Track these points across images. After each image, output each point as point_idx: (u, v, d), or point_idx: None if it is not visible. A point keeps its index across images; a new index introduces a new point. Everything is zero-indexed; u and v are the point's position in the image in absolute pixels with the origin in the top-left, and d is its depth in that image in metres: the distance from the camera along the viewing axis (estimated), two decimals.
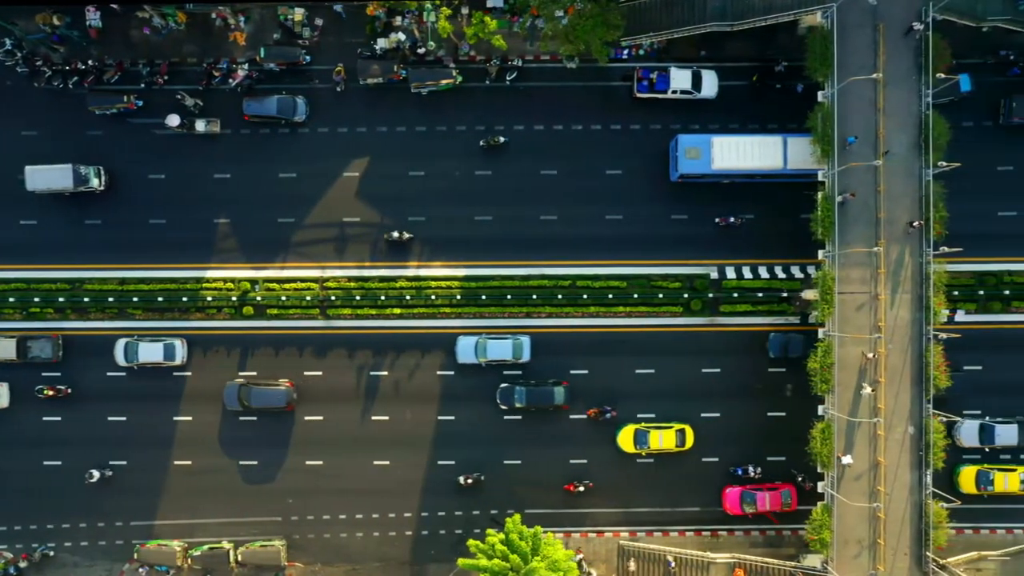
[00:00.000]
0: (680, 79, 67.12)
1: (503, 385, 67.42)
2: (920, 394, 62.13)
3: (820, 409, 62.95)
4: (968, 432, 66.23)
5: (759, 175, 66.17)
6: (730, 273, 68.06)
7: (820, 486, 63.16)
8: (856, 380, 62.24)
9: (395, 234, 67.26)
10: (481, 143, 67.44)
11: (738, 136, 65.87)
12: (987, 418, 67.04)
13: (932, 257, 61.89)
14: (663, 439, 66.50)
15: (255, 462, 68.16)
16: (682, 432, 66.85)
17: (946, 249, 61.41)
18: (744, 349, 68.39)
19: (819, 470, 62.98)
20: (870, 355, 61.56)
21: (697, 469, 68.43)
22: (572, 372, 68.53)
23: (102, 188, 66.58)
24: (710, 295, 67.90)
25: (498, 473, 68.31)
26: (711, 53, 68.61)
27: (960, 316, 68.33)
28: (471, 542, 60.60)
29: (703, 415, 68.48)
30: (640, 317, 68.28)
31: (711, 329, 68.63)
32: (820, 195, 62.57)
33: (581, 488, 67.31)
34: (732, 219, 67.39)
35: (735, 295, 67.70)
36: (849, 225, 62.39)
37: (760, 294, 67.59)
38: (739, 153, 64.95)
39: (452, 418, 68.60)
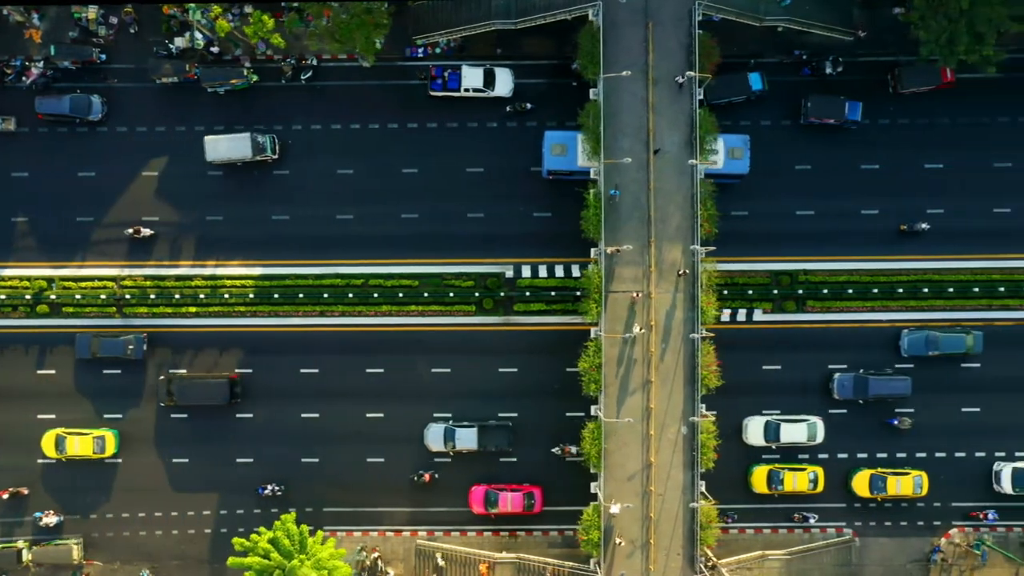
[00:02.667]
0: (472, 77, 67.02)
1: None
2: (693, 394, 61.76)
3: (593, 409, 62.64)
4: (754, 431, 65.86)
5: None
6: (526, 272, 67.89)
7: (593, 486, 62.85)
8: (630, 379, 61.94)
9: None
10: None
11: None
12: (773, 416, 66.64)
13: (703, 256, 61.51)
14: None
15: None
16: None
17: (699, 249, 60.81)
18: (542, 349, 68.07)
19: (591, 470, 62.65)
20: (637, 330, 61.32)
21: (492, 469, 68.19)
22: (368, 371, 68.45)
23: None
24: (502, 294, 67.68)
25: (297, 471, 68.25)
26: (508, 51, 68.48)
27: (758, 315, 68.12)
28: (236, 540, 60.74)
29: (500, 414, 68.26)
30: (433, 316, 68.14)
31: (507, 328, 68.42)
32: (591, 193, 62.19)
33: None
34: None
35: (527, 294, 67.48)
36: (621, 223, 62.13)
37: (553, 293, 67.30)
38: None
39: (251, 416, 68.65)
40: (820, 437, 66.82)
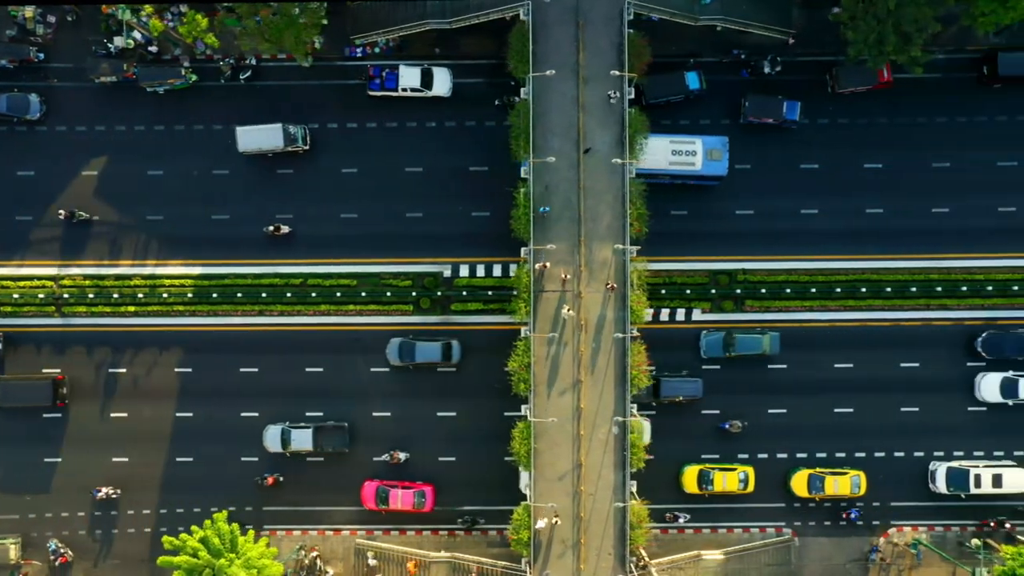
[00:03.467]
0: (409, 77, 67.04)
1: None
2: (624, 394, 61.75)
3: (523, 409, 62.62)
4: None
5: None
6: (464, 271, 67.93)
7: (521, 486, 62.81)
8: (560, 379, 61.94)
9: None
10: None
11: None
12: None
13: (634, 255, 61.52)
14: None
15: None
16: None
17: (628, 248, 60.86)
18: (481, 348, 68.05)
19: (521, 470, 62.65)
20: (565, 317, 61.37)
21: (436, 468, 68.27)
22: (307, 370, 68.50)
23: None
24: (439, 293, 67.72)
25: (235, 470, 68.31)
26: (446, 51, 68.49)
27: (697, 315, 68.15)
28: (166, 539, 60.76)
29: (439, 414, 68.27)
30: (372, 315, 68.19)
31: (445, 328, 68.43)
32: (520, 192, 62.18)
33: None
34: None
35: (464, 293, 67.49)
36: (551, 223, 62.13)
37: (490, 292, 67.30)
38: None
39: (191, 415, 68.73)
40: None
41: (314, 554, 67.71)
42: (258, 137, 66.37)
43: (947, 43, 68.22)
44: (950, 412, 67.74)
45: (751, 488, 65.79)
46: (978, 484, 65.10)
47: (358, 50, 68.03)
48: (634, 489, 62.00)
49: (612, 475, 61.83)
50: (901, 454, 68.13)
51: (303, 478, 67.82)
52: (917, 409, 68.32)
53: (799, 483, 66.28)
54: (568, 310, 60.89)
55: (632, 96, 62.02)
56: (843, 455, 68.26)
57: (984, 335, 66.92)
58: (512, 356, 62.56)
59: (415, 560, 64.31)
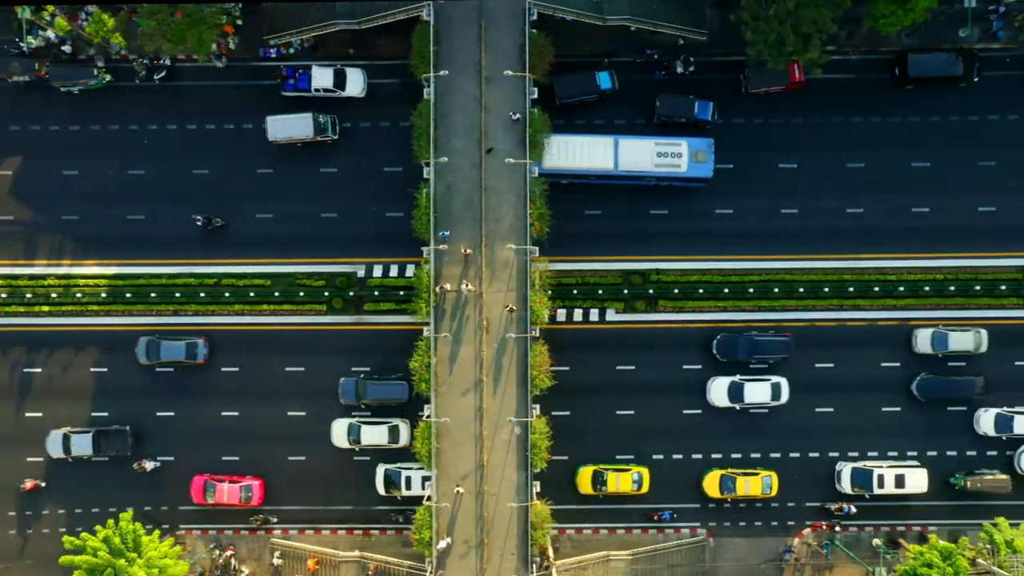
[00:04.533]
0: (322, 77, 67.09)
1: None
2: (525, 394, 61.75)
3: (426, 409, 62.57)
4: None
5: (593, 176, 65.59)
6: (377, 271, 67.97)
7: (428, 486, 62.82)
8: (462, 379, 61.95)
9: None
10: None
11: (569, 136, 64.84)
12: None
13: (535, 256, 61.53)
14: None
15: None
16: None
17: (528, 248, 60.85)
18: (394, 347, 67.99)
19: (426, 469, 62.66)
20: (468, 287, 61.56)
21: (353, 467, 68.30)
22: (223, 369, 68.56)
23: None
24: (351, 293, 67.76)
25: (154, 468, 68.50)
26: (361, 52, 68.53)
27: (611, 315, 68.15)
28: (66, 539, 60.88)
29: (353, 414, 68.25)
30: (286, 315, 68.25)
31: (359, 327, 68.48)
32: (422, 192, 62.17)
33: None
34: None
35: (376, 293, 67.54)
36: (453, 223, 62.13)
37: (402, 292, 67.31)
38: (569, 153, 64.08)
39: (106, 414, 68.75)
40: None
41: (228, 553, 67.75)
42: (288, 126, 66.26)
43: (860, 44, 68.30)
44: (858, 412, 67.53)
45: (645, 488, 65.76)
46: (881, 484, 65.04)
47: (272, 51, 68.08)
48: (538, 489, 61.95)
49: (515, 475, 61.81)
50: (816, 455, 68.05)
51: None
52: (832, 410, 68.26)
53: (711, 484, 66.21)
54: (466, 284, 60.69)
55: (534, 96, 61.89)
56: (758, 455, 68.12)
57: (719, 336, 66.88)
58: (414, 355, 62.53)
59: (315, 558, 64.33)
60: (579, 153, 64.53)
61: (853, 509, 66.61)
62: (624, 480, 64.76)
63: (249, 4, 66.92)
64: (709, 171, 65.63)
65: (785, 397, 66.56)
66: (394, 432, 65.70)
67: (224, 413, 68.21)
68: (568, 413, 67.50)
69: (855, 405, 67.94)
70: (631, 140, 65.01)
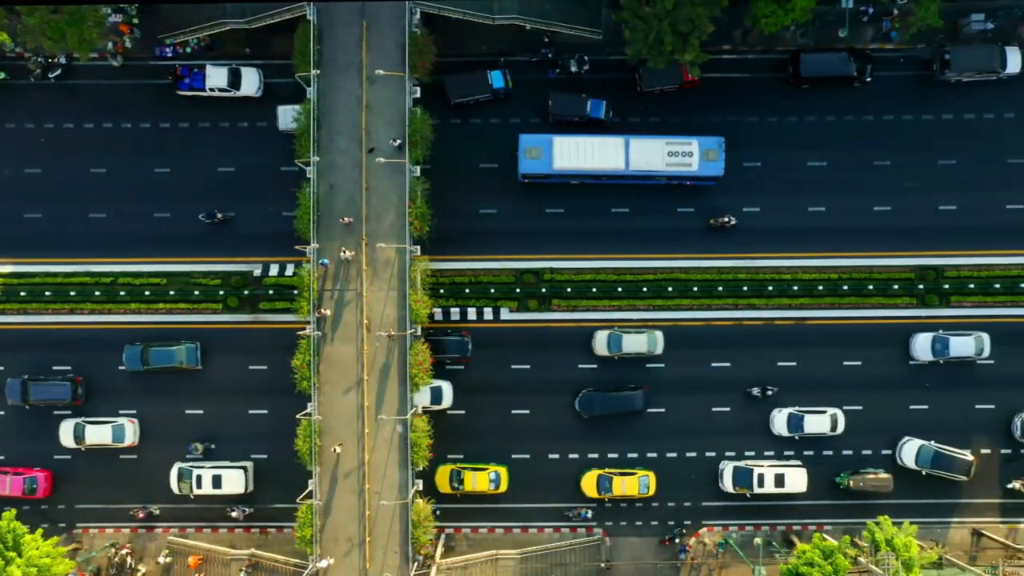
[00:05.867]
0: (216, 77, 67.23)
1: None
2: (406, 393, 61.87)
3: (309, 407, 62.70)
4: None
5: (604, 176, 65.73)
6: (273, 270, 68.14)
7: (311, 484, 62.92)
8: (344, 378, 62.08)
9: None
10: None
11: (579, 136, 65.00)
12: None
13: (416, 254, 61.65)
14: None
15: None
16: None
17: (408, 248, 60.91)
18: (291, 346, 68.02)
19: (307, 468, 62.73)
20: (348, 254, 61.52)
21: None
22: (119, 369, 68.71)
23: None
24: (246, 292, 67.93)
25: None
26: (257, 52, 68.64)
27: (505, 314, 68.26)
28: None
29: (250, 412, 68.44)
30: (182, 314, 68.42)
31: (256, 326, 68.62)
32: (305, 192, 62.30)
33: None
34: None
35: (270, 292, 67.72)
36: (335, 222, 62.27)
37: (296, 291, 67.36)
38: (580, 153, 64.23)
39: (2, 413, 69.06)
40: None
41: (125, 551, 67.95)
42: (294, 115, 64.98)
43: (756, 43, 68.32)
44: (748, 413, 67.74)
45: (503, 488, 65.85)
46: (761, 483, 65.10)
47: (168, 50, 68.25)
48: (420, 487, 62.09)
49: (397, 473, 61.95)
50: (693, 454, 68.04)
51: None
52: (728, 409, 68.34)
53: (588, 483, 66.28)
54: (344, 252, 60.71)
55: (416, 95, 62.02)
56: (635, 456, 68.21)
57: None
58: (296, 354, 62.67)
59: (198, 556, 64.53)
60: (590, 154, 64.54)
61: None
62: (481, 479, 64.76)
63: (143, 3, 66.99)
64: (720, 169, 65.50)
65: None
66: (119, 431, 66.52)
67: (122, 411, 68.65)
68: (463, 412, 67.84)
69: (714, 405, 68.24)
70: (641, 140, 64.88)
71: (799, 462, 66.56)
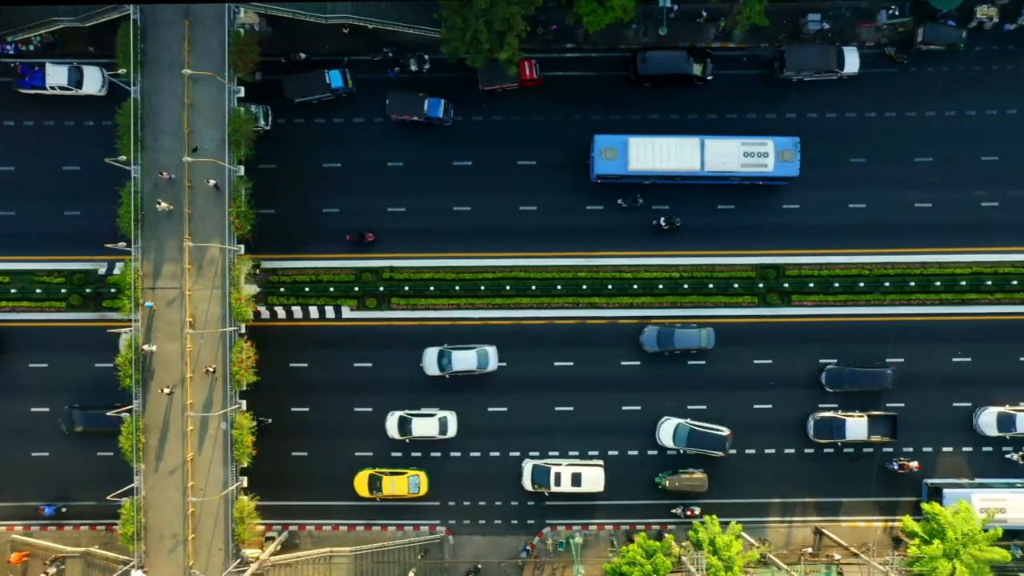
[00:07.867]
0: (56, 75, 67.40)
1: None
2: (228, 390, 62.11)
3: (135, 405, 62.91)
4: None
5: (679, 176, 65.81)
6: (118, 268, 68.32)
7: (136, 480, 63.17)
8: (168, 375, 62.30)
9: None
10: None
11: (655, 137, 65.02)
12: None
13: (240, 253, 61.83)
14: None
15: None
16: None
17: (228, 248, 61.07)
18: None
19: (133, 466, 62.98)
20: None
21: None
22: (31, 366, 68.73)
23: None
24: (88, 290, 68.19)
25: None
26: (102, 50, 68.72)
27: (347, 313, 68.40)
28: None
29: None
30: (26, 312, 68.68)
31: (102, 324, 68.67)
32: (126, 189, 62.47)
33: None
34: None
35: (113, 290, 67.92)
36: (161, 220, 62.45)
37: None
38: (656, 154, 64.39)
39: None
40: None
41: None
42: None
43: (600, 42, 68.25)
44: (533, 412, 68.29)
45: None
46: (558, 482, 65.28)
47: (9, 47, 68.42)
48: (244, 483, 62.32)
49: (222, 471, 62.18)
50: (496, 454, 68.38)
51: None
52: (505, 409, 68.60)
53: (360, 483, 66.61)
54: (159, 203, 61.00)
55: (240, 95, 62.18)
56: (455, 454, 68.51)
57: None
58: (119, 352, 62.92)
59: (22, 552, 64.91)
60: (665, 154, 64.60)
61: None
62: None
63: None
64: (795, 170, 65.45)
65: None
66: None
67: None
68: (307, 410, 68.12)
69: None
70: (717, 140, 64.81)
71: (600, 462, 66.78)
